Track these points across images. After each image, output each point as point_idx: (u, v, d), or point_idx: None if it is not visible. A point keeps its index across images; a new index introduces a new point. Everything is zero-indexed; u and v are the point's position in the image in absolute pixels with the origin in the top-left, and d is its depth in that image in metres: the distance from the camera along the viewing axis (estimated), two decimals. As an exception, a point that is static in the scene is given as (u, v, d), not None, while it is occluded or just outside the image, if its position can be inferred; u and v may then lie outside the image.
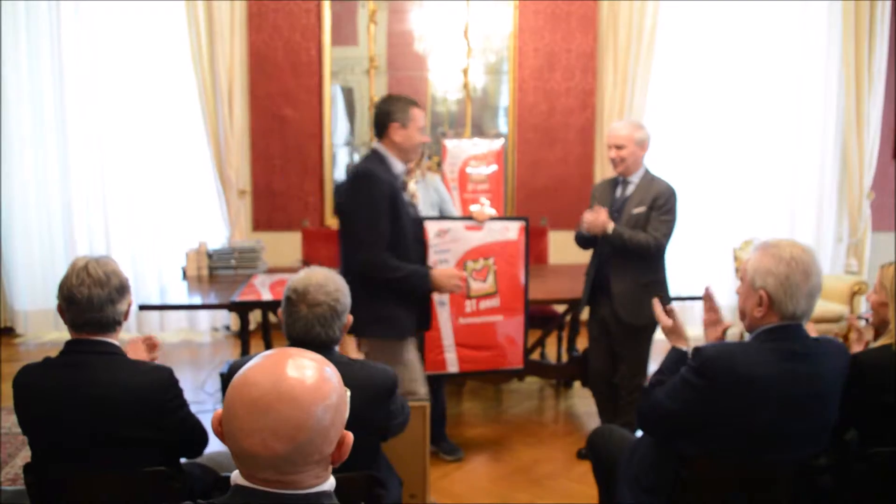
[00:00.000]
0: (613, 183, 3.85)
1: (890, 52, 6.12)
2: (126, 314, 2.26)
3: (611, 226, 3.61)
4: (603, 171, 6.23)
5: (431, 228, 3.58)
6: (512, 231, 3.70)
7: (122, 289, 2.22)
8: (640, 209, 3.66)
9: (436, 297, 3.61)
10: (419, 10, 6.18)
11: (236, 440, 1.22)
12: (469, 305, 3.70)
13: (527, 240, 3.75)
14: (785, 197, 6.39)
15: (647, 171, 3.75)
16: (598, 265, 3.83)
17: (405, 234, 3.31)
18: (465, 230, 3.63)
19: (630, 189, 3.74)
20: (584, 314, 4.48)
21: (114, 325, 2.22)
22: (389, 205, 3.22)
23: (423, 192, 3.80)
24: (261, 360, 1.28)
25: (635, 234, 3.63)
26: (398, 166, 3.33)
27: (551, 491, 3.71)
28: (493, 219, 3.70)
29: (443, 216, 3.69)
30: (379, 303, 3.26)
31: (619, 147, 3.67)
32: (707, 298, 2.54)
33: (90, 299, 2.16)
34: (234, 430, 1.23)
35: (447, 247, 3.61)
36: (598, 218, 3.62)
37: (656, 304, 2.63)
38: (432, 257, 3.57)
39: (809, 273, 2.14)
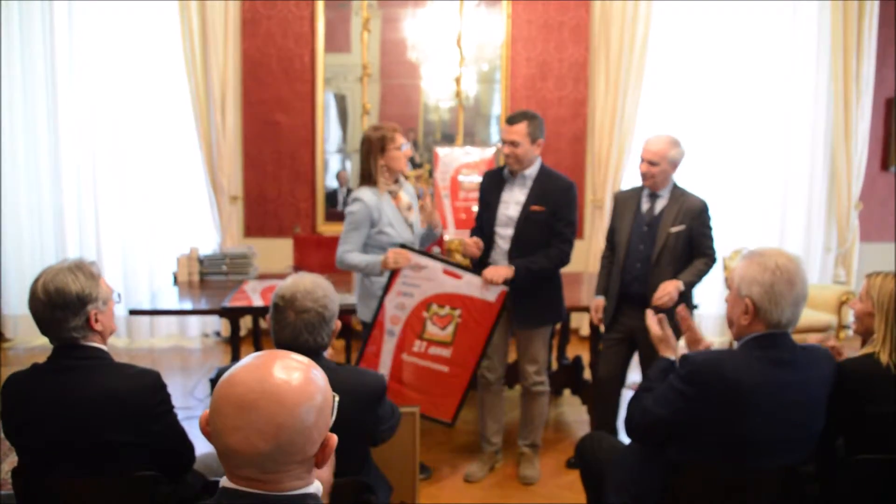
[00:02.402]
0: (637, 194, 3.75)
1: (877, 65, 6.19)
2: (94, 320, 2.19)
3: (680, 284, 3.52)
4: (594, 180, 6.26)
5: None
6: (491, 293, 3.59)
7: (78, 302, 2.16)
8: (680, 228, 3.59)
9: (387, 324, 3.61)
10: (412, 18, 6.21)
11: (221, 437, 1.25)
12: (418, 345, 3.63)
13: (503, 306, 3.62)
14: (774, 207, 6.44)
15: (675, 185, 3.70)
16: (625, 282, 3.71)
17: None
18: (441, 273, 3.57)
19: (660, 204, 3.66)
20: (573, 322, 4.46)
21: (73, 339, 2.18)
22: None
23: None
24: (249, 360, 1.30)
25: (696, 270, 3.59)
26: None
27: (540, 498, 3.73)
28: (471, 270, 3.64)
29: (427, 253, 3.62)
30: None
31: (651, 163, 3.59)
32: (682, 319, 2.56)
33: (41, 320, 2.17)
34: (218, 427, 1.25)
35: (417, 282, 3.57)
36: (665, 293, 3.49)
37: (649, 315, 2.66)
38: (397, 288, 3.56)
39: (794, 282, 2.17)
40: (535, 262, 3.60)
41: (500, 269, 3.58)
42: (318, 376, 1.31)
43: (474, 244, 3.68)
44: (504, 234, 3.68)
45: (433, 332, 3.62)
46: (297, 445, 1.25)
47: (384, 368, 3.65)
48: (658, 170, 3.59)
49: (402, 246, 3.57)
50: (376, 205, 3.58)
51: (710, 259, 3.64)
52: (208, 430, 1.28)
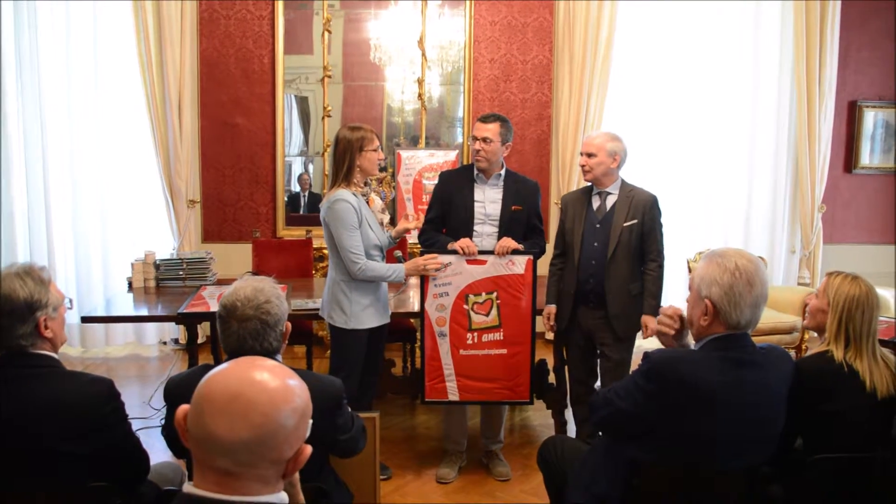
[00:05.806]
0: (586, 193, 3.78)
1: (840, 67, 6.25)
2: (44, 327, 2.14)
3: (655, 316, 3.45)
4: (559, 182, 6.23)
5: None
6: (518, 266, 3.70)
7: (27, 308, 2.11)
8: (633, 221, 3.62)
9: (435, 328, 3.73)
10: (375, 20, 6.13)
11: (204, 424, 1.25)
12: (470, 338, 3.74)
13: (534, 273, 3.71)
14: (739, 209, 6.48)
15: (623, 182, 3.72)
16: (581, 280, 3.71)
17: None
18: (466, 264, 3.68)
19: (611, 201, 3.68)
20: (539, 326, 4.41)
21: (21, 347, 2.12)
22: None
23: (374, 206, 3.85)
24: (232, 362, 1.35)
25: (651, 284, 3.63)
26: None
27: (505, 501, 3.69)
28: (491, 252, 3.71)
29: (444, 250, 3.70)
30: None
31: (589, 155, 3.63)
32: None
33: None
34: (202, 413, 1.26)
35: (448, 280, 3.67)
36: (651, 334, 3.48)
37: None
38: (432, 290, 3.68)
39: (753, 283, 2.15)
40: (533, 246, 3.78)
41: (508, 241, 3.69)
42: (296, 384, 1.34)
43: (469, 243, 3.69)
44: (482, 231, 3.80)
45: (479, 321, 3.73)
46: (277, 440, 1.27)
47: (447, 370, 3.75)
48: (595, 161, 3.63)
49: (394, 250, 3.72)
50: (358, 205, 3.47)
51: (658, 264, 3.67)
52: (184, 424, 1.29)
